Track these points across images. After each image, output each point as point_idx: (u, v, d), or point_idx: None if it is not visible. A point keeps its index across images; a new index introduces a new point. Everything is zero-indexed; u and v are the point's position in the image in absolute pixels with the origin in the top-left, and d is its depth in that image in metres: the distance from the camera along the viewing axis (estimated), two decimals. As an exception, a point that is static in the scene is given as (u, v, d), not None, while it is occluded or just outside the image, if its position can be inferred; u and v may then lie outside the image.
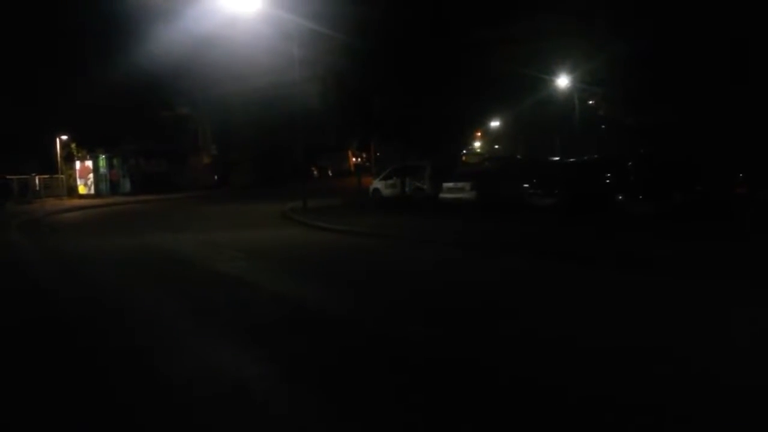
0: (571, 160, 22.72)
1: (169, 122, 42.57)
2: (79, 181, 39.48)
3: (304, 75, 21.43)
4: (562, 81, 34.71)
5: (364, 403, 4.07)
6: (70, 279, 9.53)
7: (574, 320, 6.08)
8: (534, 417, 3.77)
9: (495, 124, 47.34)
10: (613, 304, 6.81)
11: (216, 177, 46.58)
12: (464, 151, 41.45)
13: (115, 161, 39.98)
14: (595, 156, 25.43)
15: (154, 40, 27.54)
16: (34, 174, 35.79)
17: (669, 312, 6.32)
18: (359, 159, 57.84)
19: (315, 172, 53.63)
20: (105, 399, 4.27)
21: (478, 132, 39.75)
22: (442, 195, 20.87)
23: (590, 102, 38.57)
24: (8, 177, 33.35)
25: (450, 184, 20.75)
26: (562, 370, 4.59)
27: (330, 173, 58.25)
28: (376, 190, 26.44)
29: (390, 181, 25.55)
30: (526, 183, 17.89)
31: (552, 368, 4.61)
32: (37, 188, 36.05)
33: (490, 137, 55.55)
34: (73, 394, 4.38)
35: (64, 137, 39.04)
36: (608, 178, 16.91)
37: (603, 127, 39.25)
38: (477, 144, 42.94)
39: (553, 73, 32.63)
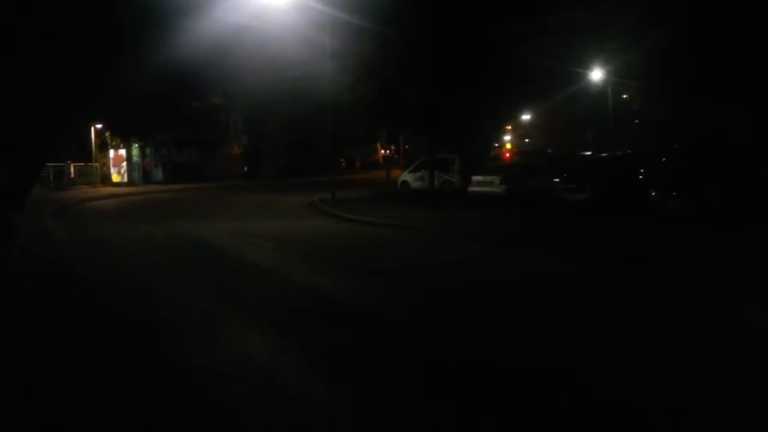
0: (604, 155, 22.35)
1: (200, 112, 43.03)
2: (112, 170, 40.20)
3: (334, 66, 21.42)
4: (596, 74, 34.11)
5: (390, 395, 4.05)
6: (103, 264, 9.69)
7: (624, 323, 5.89)
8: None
9: (526, 117, 46.82)
10: (651, 302, 6.62)
11: (246, 167, 46.99)
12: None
13: (147, 150, 40.58)
14: (628, 151, 24.99)
15: (186, 31, 27.79)
16: (69, 161, 36.52)
17: (712, 314, 6.17)
18: (388, 151, 57.79)
19: (343, 164, 53.78)
20: (132, 377, 4.33)
21: (508, 125, 39.31)
22: (471, 188, 20.74)
23: (624, 96, 37.89)
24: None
25: (479, 178, 20.61)
26: (622, 376, 4.51)
27: (358, 165, 58.33)
28: (405, 182, 26.41)
29: (419, 174, 25.48)
30: (556, 178, 17.66)
31: (621, 375, 4.54)
32: (72, 176, 36.80)
33: (520, 131, 54.97)
34: (100, 368, 4.45)
35: (99, 126, 39.76)
36: (642, 173, 16.59)
37: (636, 121, 38.53)
38: (507, 137, 42.49)
39: (586, 66, 32.08)
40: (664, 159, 16.65)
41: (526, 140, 58.00)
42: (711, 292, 6.93)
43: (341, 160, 53.67)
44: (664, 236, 10.90)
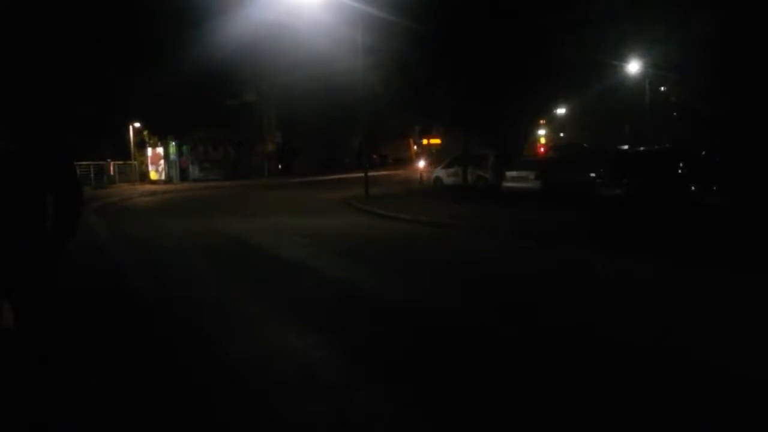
0: (642, 148, 21.92)
1: (235, 110, 43.58)
2: (150, 167, 41.01)
3: (367, 62, 21.45)
4: (633, 66, 33.45)
5: (429, 392, 4.06)
6: (143, 259, 9.91)
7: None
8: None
9: (561, 111, 46.17)
10: (711, 304, 6.32)
11: (280, 165, 47.45)
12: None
13: (184, 148, 41.27)
14: (667, 145, 24.46)
15: (221, 31, 28.16)
16: (108, 159, 37.39)
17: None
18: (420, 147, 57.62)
19: (376, 160, 53.84)
20: (174, 370, 4.42)
21: (542, 120, 38.79)
22: (506, 184, 20.55)
23: (662, 88, 37.09)
24: (85, 163, 34.97)
25: (513, 173, 20.41)
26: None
27: (391, 161, 58.36)
28: (438, 178, 26.31)
29: (452, 170, 25.36)
30: (593, 172, 17.39)
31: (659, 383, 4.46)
32: (111, 173, 37.67)
33: (555, 125, 54.22)
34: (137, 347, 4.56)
35: (137, 124, 40.60)
36: (680, 168, 16.23)
37: (675, 114, 37.63)
38: (542, 132, 41.94)
39: (623, 58, 31.46)
40: (704, 152, 16.26)
41: (561, 134, 57.23)
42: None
43: (374, 156, 53.79)
44: (711, 233, 10.63)
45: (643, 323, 5.60)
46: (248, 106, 45.12)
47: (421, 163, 35.18)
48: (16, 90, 2.83)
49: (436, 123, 31.56)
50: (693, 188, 14.63)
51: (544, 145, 41.64)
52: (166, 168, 40.78)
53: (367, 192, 21.00)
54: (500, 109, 22.41)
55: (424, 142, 33.56)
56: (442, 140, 33.11)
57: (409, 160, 54.61)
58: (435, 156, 32.12)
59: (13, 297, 2.72)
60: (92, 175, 35.09)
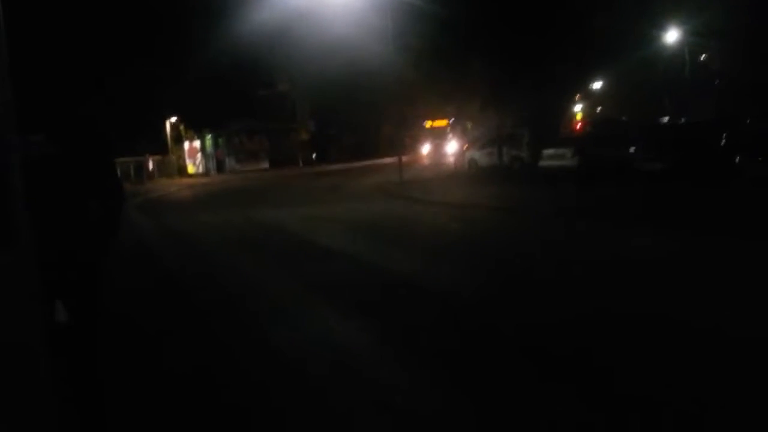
0: (683, 120, 21.31)
1: (268, 100, 43.94)
2: (188, 161, 41.75)
3: (398, 46, 21.32)
4: (671, 35, 32.44)
5: (477, 383, 4.04)
6: (185, 252, 10.12)
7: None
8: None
9: (597, 85, 45.13)
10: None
11: (314, 153, 47.71)
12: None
13: (220, 141, 41.88)
14: (710, 116, 23.71)
15: (250, 21, 28.32)
16: (147, 155, 38.18)
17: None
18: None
19: (409, 143, 53.60)
20: (218, 355, 4.50)
21: (578, 95, 37.97)
22: (542, 163, 20.20)
23: (702, 56, 35.89)
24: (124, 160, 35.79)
25: (550, 151, 20.03)
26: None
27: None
28: (473, 160, 26.05)
29: (486, 151, 25.07)
30: (632, 147, 16.98)
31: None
32: (150, 169, 38.48)
33: (592, 100, 53.08)
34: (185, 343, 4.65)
35: (173, 119, 41.31)
36: (724, 138, 15.70)
37: (717, 82, 36.43)
38: (578, 107, 41.06)
39: (661, 26, 30.53)
40: (748, 121, 15.69)
41: (598, 109, 55.98)
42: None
43: (407, 139, 53.57)
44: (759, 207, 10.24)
45: (718, 306, 5.20)
46: (281, 96, 45.46)
47: (426, 148, 33.71)
48: (53, 94, 2.88)
49: (469, 103, 31.26)
50: (738, 159, 14.15)
51: (580, 121, 40.82)
52: (203, 161, 41.44)
53: (401, 177, 20.97)
54: (535, 86, 22.03)
55: (428, 124, 32.51)
56: (474, 122, 32.65)
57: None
58: (469, 135, 31.59)
59: (64, 297, 2.79)
60: (132, 171, 35.89)
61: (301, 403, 3.81)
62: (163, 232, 13.24)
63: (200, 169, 40.87)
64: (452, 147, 26.00)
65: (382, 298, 6.30)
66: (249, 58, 33.71)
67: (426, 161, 29.10)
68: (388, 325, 5.26)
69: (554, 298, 5.78)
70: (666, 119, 25.25)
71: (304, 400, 3.85)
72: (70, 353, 2.82)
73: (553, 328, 4.86)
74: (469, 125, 37.72)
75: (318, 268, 8.05)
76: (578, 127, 35.55)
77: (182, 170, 41.06)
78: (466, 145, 29.54)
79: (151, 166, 38.49)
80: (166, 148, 41.03)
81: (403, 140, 46.69)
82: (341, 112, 46.30)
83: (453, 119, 32.50)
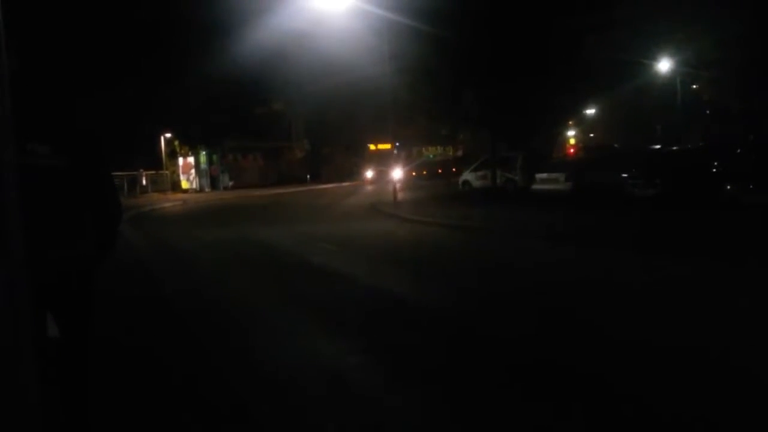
0: (674, 147, 21.54)
1: (263, 119, 44.07)
2: (182, 177, 41.67)
3: (393, 68, 21.51)
4: (664, 65, 32.95)
5: (467, 400, 4.04)
6: (174, 268, 10.07)
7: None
8: None
9: (590, 111, 45.63)
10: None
11: (309, 173, 47.77)
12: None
13: (214, 157, 41.87)
14: (700, 143, 23.98)
15: (247, 39, 28.54)
16: (141, 170, 38.12)
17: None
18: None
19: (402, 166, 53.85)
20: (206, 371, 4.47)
21: (571, 121, 38.35)
22: (535, 186, 20.38)
23: (694, 86, 36.40)
24: (119, 173, 35.73)
25: (543, 175, 20.23)
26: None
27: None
28: (466, 181, 26.20)
29: (480, 173, 25.23)
30: (624, 173, 17.14)
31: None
32: (144, 183, 38.39)
33: (585, 126, 53.58)
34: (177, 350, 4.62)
35: (168, 135, 41.35)
36: (715, 166, 15.89)
37: (708, 112, 36.89)
38: (571, 133, 41.42)
39: (654, 56, 31.00)
40: (738, 150, 15.90)
41: (591, 135, 56.51)
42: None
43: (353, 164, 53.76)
44: (754, 233, 10.32)
45: (701, 330, 5.29)
46: (276, 115, 45.61)
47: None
48: (56, 106, 2.89)
49: (463, 126, 31.50)
50: (728, 187, 14.31)
51: (573, 146, 41.18)
52: (197, 177, 41.38)
53: (395, 197, 21.04)
54: (528, 111, 22.26)
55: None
56: (467, 144, 32.86)
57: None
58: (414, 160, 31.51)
59: (56, 310, 2.79)
60: (125, 185, 35.80)
61: (289, 425, 3.79)
62: (152, 247, 13.17)
63: (194, 185, 40.82)
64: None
65: (367, 309, 6.30)
66: (246, 77, 33.89)
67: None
68: (378, 344, 5.26)
69: (540, 318, 5.81)
70: (657, 146, 25.50)
71: (291, 420, 3.83)
72: (60, 368, 2.81)
73: (528, 344, 4.88)
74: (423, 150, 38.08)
75: (304, 284, 8.05)
76: (571, 151, 35.89)
77: (176, 185, 41.05)
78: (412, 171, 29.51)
79: (144, 181, 38.45)
80: (161, 163, 41.04)
81: (353, 165, 46.91)
82: (336, 131, 46.53)
83: (398, 144, 32.28)
